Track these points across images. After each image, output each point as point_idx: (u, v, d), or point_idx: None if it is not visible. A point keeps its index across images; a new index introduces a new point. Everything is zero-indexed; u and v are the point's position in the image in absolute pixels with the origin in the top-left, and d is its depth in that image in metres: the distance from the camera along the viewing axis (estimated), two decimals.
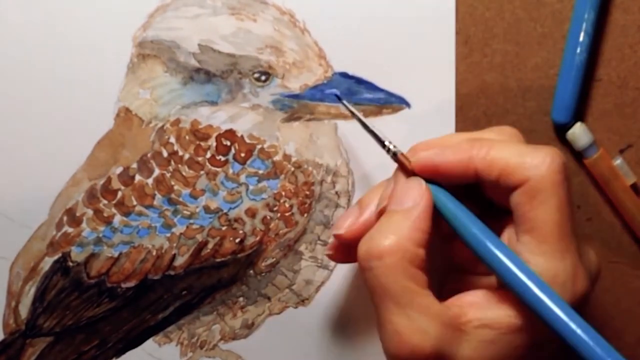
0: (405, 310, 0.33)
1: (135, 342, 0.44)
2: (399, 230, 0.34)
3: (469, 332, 0.33)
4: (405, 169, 0.36)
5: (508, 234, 0.36)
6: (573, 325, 0.31)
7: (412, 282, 0.33)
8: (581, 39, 0.42)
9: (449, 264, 0.39)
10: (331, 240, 0.39)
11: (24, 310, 0.43)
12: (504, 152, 0.34)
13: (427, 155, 0.36)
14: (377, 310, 0.34)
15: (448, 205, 0.35)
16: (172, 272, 0.43)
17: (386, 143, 0.37)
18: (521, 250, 0.34)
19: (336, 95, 0.42)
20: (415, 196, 0.35)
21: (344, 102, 0.41)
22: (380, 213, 0.36)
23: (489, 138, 0.36)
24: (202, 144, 0.42)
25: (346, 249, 0.38)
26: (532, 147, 0.34)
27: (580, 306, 0.33)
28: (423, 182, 0.35)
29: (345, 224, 0.37)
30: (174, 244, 0.43)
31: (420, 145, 0.37)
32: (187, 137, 0.42)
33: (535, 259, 0.33)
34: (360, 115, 0.39)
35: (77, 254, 0.43)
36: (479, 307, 0.34)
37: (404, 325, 0.33)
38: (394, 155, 0.37)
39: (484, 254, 0.34)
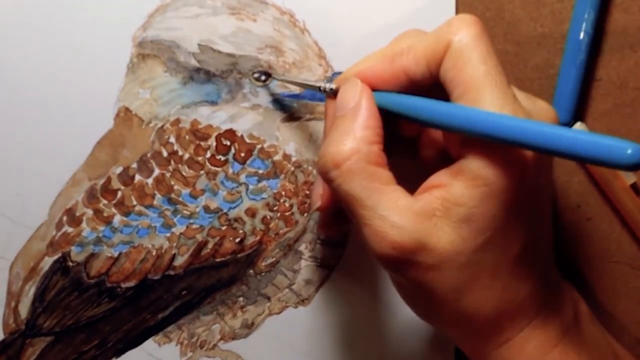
0: (375, 211, 0.33)
1: (135, 342, 0.44)
2: (347, 134, 0.33)
3: (442, 216, 0.33)
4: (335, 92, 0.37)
5: None
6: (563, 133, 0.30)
7: (374, 181, 0.33)
8: (581, 39, 0.42)
9: (422, 169, 0.38)
10: (320, 218, 0.39)
11: (23, 310, 0.43)
12: (421, 41, 0.34)
13: (355, 68, 0.36)
14: (352, 219, 0.34)
15: (389, 98, 0.35)
16: (172, 272, 0.43)
17: (321, 86, 0.37)
18: None
19: (262, 72, 0.41)
20: (354, 95, 0.35)
21: (274, 75, 0.41)
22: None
23: (406, 44, 0.35)
24: (202, 143, 0.42)
25: (334, 218, 0.38)
26: (443, 23, 0.34)
27: (539, 158, 0.33)
28: (358, 80, 0.35)
29: (318, 195, 0.37)
30: (174, 244, 0.43)
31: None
32: (187, 137, 0.42)
33: None
34: (290, 78, 0.40)
35: (77, 254, 0.43)
36: (442, 188, 0.33)
37: (378, 225, 0.33)
38: (332, 91, 0.37)
39: (445, 119, 0.33)
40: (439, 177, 0.34)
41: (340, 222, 0.38)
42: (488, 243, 0.33)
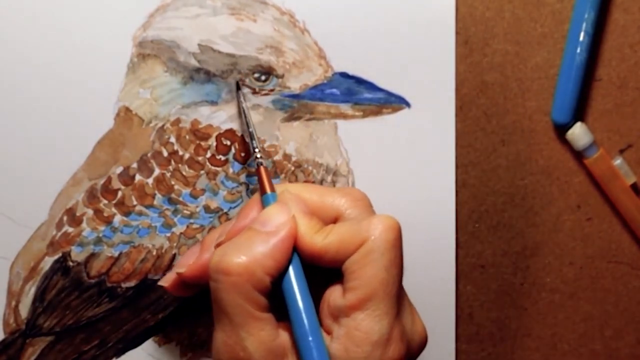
0: (237, 329, 0.34)
1: (135, 342, 0.44)
2: (252, 253, 0.34)
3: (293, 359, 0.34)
4: (262, 185, 0.37)
5: (333, 290, 0.36)
6: None
7: (250, 304, 0.34)
8: (581, 39, 0.42)
9: None
10: (172, 276, 0.39)
11: (24, 310, 0.43)
12: (341, 230, 0.36)
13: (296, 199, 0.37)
14: (214, 318, 0.35)
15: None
16: None
17: (257, 150, 0.38)
18: (342, 305, 0.35)
19: (237, 83, 0.42)
20: (279, 223, 0.35)
21: (240, 93, 0.41)
22: (218, 246, 0.37)
23: (329, 225, 0.36)
24: (202, 143, 0.42)
25: (185, 285, 0.39)
26: (367, 220, 0.36)
27: None
28: (291, 212, 0.36)
29: (187, 262, 0.38)
30: (174, 244, 0.43)
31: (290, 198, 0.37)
32: (187, 137, 0.42)
33: (355, 314, 0.34)
34: (249, 112, 0.40)
35: (77, 254, 0.43)
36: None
37: (233, 341, 0.34)
38: (258, 166, 0.38)
39: (289, 300, 0.35)
40: None
41: (190, 290, 0.39)
42: None
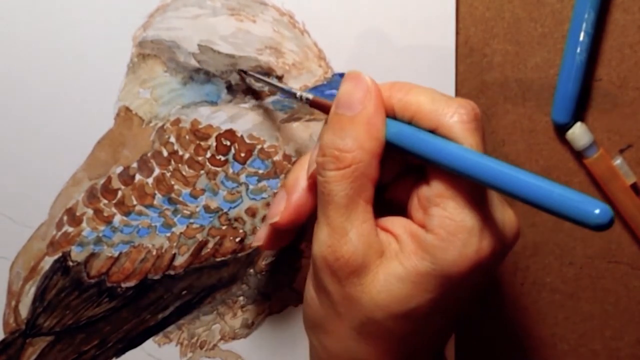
0: (343, 221, 0.33)
1: (135, 342, 0.44)
2: (355, 140, 0.33)
3: (385, 262, 0.34)
4: (326, 110, 0.36)
5: (421, 184, 0.35)
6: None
7: (359, 195, 0.34)
8: (581, 39, 0.42)
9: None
10: (264, 231, 0.38)
11: (24, 310, 0.43)
12: (419, 96, 0.34)
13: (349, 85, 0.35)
14: (319, 212, 0.35)
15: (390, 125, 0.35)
16: (172, 272, 0.43)
17: (297, 94, 0.38)
18: (430, 194, 0.34)
19: (241, 70, 0.41)
20: (363, 99, 0.34)
21: (246, 71, 0.41)
22: (312, 178, 0.36)
23: (408, 83, 0.35)
24: (202, 143, 0.42)
25: (280, 235, 0.38)
26: (447, 98, 0.34)
27: (488, 264, 0.33)
28: (369, 81, 0.34)
29: (278, 210, 0.37)
30: (174, 244, 0.43)
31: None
32: (187, 137, 0.42)
33: (445, 202, 0.33)
34: (265, 78, 0.40)
35: (77, 254, 0.43)
36: (399, 242, 0.34)
37: (339, 234, 0.34)
38: (308, 101, 0.37)
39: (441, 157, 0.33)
40: (401, 230, 0.34)
41: (284, 240, 0.39)
42: (417, 308, 0.34)
